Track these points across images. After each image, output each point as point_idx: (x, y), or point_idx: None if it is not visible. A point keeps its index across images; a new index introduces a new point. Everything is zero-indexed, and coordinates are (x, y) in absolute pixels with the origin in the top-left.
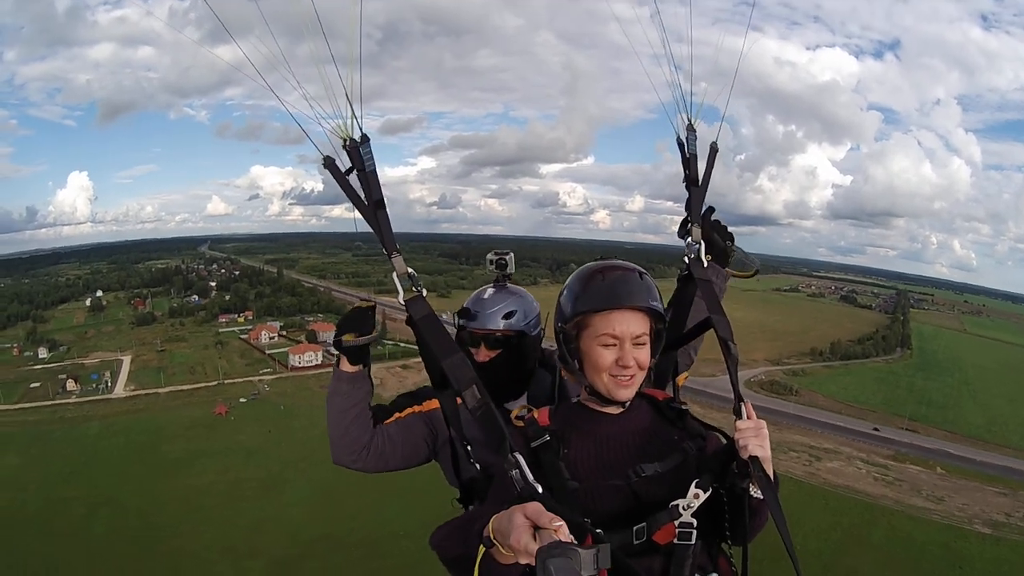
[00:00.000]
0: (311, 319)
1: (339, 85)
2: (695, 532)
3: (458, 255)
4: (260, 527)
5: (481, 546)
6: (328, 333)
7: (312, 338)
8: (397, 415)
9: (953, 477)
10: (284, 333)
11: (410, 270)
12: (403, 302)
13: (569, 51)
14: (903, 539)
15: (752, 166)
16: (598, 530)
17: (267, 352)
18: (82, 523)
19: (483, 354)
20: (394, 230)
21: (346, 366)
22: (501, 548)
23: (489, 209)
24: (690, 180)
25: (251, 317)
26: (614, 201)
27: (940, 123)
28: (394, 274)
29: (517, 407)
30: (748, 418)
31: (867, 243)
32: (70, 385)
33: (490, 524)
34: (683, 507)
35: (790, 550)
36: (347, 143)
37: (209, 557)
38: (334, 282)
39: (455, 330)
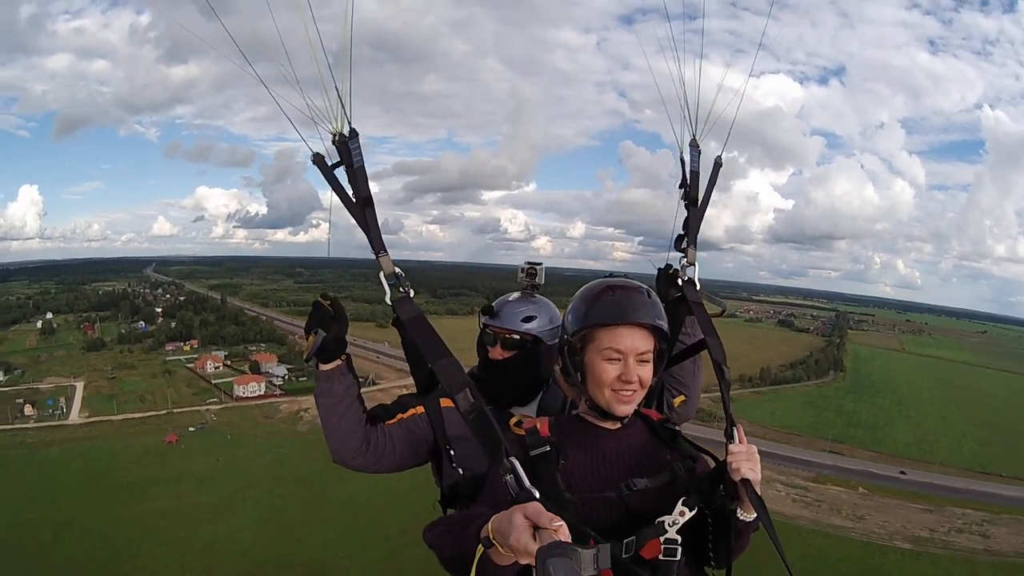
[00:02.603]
0: (254, 349)
1: (328, 78)
2: (680, 549)
3: (404, 275)
4: (213, 548)
5: (480, 546)
6: (270, 364)
7: (255, 368)
8: (400, 415)
9: (876, 496)
10: (228, 363)
11: (397, 270)
12: (390, 302)
13: (515, 78)
14: (816, 556)
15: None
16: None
17: (212, 382)
18: (50, 545)
19: (497, 352)
20: (335, 255)
21: (322, 365)
22: (500, 548)
23: (431, 235)
24: (690, 199)
25: (196, 346)
26: (555, 227)
27: (883, 146)
28: (381, 274)
29: (517, 415)
30: (740, 442)
31: (809, 265)
32: (27, 410)
33: (489, 524)
34: (669, 523)
35: (786, 564)
36: (336, 138)
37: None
38: (276, 310)
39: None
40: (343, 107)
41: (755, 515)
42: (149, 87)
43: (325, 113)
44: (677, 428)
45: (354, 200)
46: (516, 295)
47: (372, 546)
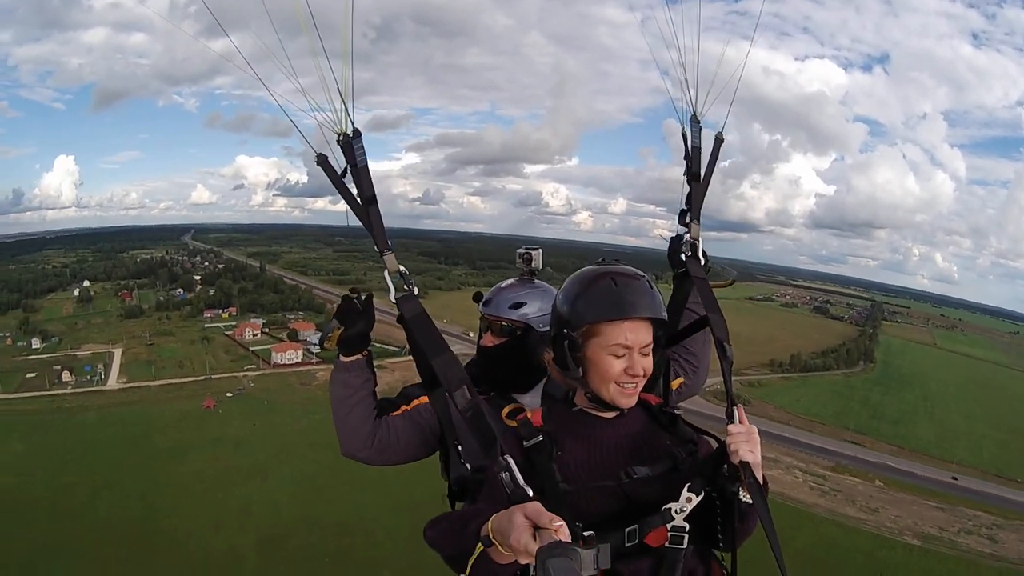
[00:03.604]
0: (292, 317)
1: (331, 79)
2: (687, 536)
3: (437, 254)
4: (247, 509)
5: (479, 545)
6: (308, 332)
7: (293, 337)
8: (404, 407)
9: (891, 490)
10: (267, 331)
11: (402, 268)
12: (394, 300)
13: (558, 52)
14: (827, 544)
15: (736, 173)
16: (589, 533)
17: (251, 349)
18: (87, 505)
19: (489, 339)
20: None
21: (343, 356)
22: (500, 547)
23: (471, 206)
24: (692, 174)
25: (235, 313)
26: (596, 203)
27: (925, 137)
28: (385, 272)
29: (509, 406)
30: (740, 423)
31: (848, 253)
32: (65, 376)
33: (489, 523)
34: (676, 511)
35: (776, 552)
36: (340, 138)
37: (204, 535)
38: (315, 278)
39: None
40: (346, 108)
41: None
42: (187, 58)
43: (330, 114)
44: (677, 411)
45: (358, 200)
46: (511, 281)
47: (398, 512)
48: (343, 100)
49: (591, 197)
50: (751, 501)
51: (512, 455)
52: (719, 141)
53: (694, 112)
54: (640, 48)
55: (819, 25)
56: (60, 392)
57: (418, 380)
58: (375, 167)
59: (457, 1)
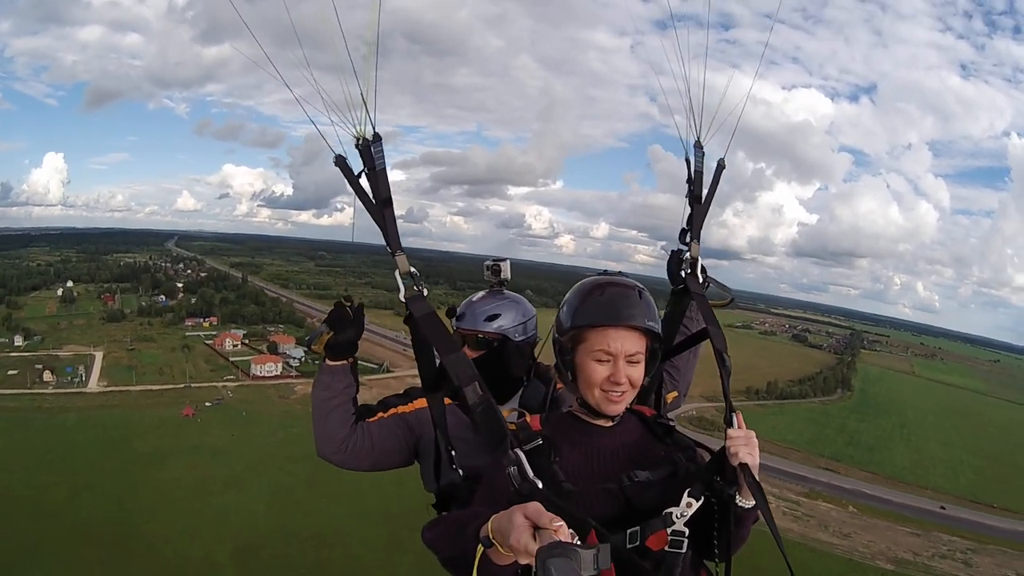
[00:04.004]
0: (273, 330)
1: (353, 83)
2: (686, 541)
3: (419, 274)
4: (224, 518)
5: (480, 546)
6: (287, 345)
7: (273, 349)
8: (381, 414)
9: (865, 516)
10: (247, 342)
11: (412, 269)
12: (404, 299)
13: (548, 76)
14: (798, 568)
15: (718, 201)
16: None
17: (230, 359)
18: (66, 506)
19: (467, 353)
20: (357, 240)
21: (329, 360)
22: (500, 548)
23: (454, 226)
24: (694, 197)
25: (216, 323)
26: (579, 227)
27: (910, 167)
28: (396, 272)
29: (505, 410)
30: (739, 427)
31: (830, 281)
32: (47, 376)
33: (489, 524)
34: (677, 515)
35: (781, 548)
36: (360, 142)
37: (181, 541)
38: (296, 292)
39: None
40: (367, 112)
41: (754, 502)
42: (180, 61)
43: (349, 116)
44: (672, 423)
45: (374, 201)
46: (482, 294)
47: (374, 525)
48: (364, 103)
49: (574, 221)
50: (747, 506)
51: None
52: (721, 167)
53: (698, 138)
54: (629, 74)
55: (809, 55)
56: (41, 391)
57: (396, 393)
58: (362, 182)
59: (450, 20)
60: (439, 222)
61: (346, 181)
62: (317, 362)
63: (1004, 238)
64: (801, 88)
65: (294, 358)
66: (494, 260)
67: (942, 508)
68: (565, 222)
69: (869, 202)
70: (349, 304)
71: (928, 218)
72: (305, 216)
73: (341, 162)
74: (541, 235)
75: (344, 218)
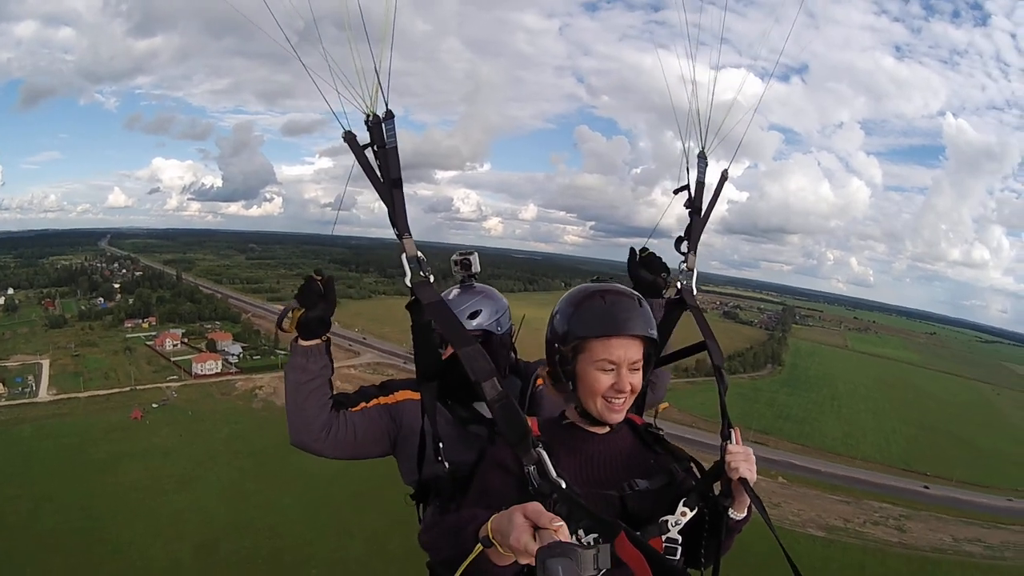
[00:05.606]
0: (210, 327)
1: (369, 60)
2: (680, 549)
3: (348, 262)
4: (181, 516)
5: (478, 546)
6: (225, 342)
7: (212, 347)
8: (364, 404)
9: (794, 486)
10: (186, 341)
11: (420, 254)
12: (410, 284)
13: (474, 59)
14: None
15: (647, 180)
16: (592, 536)
17: (172, 360)
18: (31, 518)
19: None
20: (286, 231)
21: (301, 339)
22: (500, 548)
23: (383, 212)
24: (694, 207)
25: (155, 323)
26: (507, 209)
27: (841, 145)
28: (403, 256)
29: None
30: (737, 443)
31: (761, 258)
32: None
33: (489, 524)
34: (671, 523)
35: (788, 558)
36: (370, 118)
37: (143, 543)
38: (229, 287)
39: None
40: (380, 88)
41: (745, 514)
42: (110, 54)
43: (358, 93)
44: (661, 432)
45: (382, 180)
46: (456, 290)
47: (323, 511)
48: (378, 79)
49: (502, 203)
50: (739, 518)
51: (509, 462)
52: (724, 177)
53: (703, 148)
54: (556, 55)
55: (739, 36)
56: None
57: (373, 384)
58: (288, 171)
59: (376, 5)
60: (368, 208)
61: (354, 158)
62: (256, 356)
63: (938, 214)
64: (731, 68)
65: (232, 355)
66: (461, 254)
67: (926, 488)
68: (493, 204)
69: (800, 179)
70: (320, 278)
71: (860, 195)
72: (235, 207)
73: (351, 139)
74: (469, 218)
75: (273, 208)
